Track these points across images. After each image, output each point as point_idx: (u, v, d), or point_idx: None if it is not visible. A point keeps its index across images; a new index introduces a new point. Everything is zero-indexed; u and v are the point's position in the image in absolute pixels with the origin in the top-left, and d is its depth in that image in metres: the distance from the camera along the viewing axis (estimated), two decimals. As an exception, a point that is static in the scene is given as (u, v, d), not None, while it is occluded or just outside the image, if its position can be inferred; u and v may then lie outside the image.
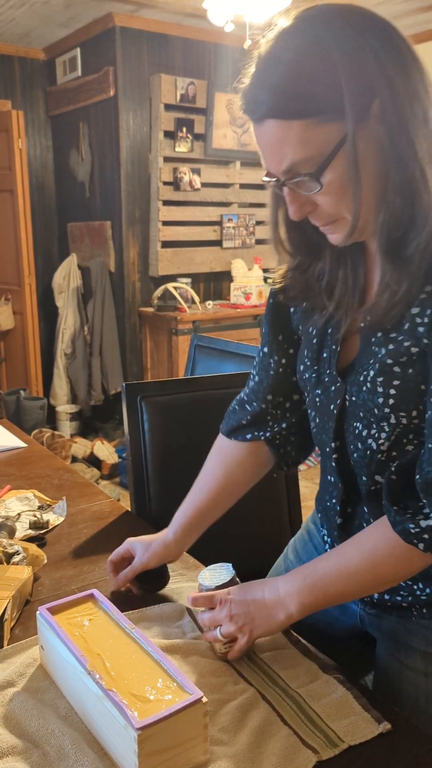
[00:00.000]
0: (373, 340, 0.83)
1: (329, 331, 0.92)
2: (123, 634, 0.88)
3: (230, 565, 0.99)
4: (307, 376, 0.96)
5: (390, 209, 0.76)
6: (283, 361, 1.03)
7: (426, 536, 0.78)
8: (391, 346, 0.81)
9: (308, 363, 0.95)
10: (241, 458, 1.10)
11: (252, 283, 4.15)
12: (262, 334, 1.06)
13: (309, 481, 3.70)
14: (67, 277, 4.34)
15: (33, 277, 4.31)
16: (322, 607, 0.88)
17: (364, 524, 0.93)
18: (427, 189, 0.74)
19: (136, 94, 3.88)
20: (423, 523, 0.78)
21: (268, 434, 1.08)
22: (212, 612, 0.92)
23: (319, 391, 0.94)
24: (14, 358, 4.50)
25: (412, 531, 0.78)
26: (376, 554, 0.83)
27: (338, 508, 0.96)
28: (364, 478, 0.90)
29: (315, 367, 0.94)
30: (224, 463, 1.11)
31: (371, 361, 0.83)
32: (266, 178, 0.81)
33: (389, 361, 0.81)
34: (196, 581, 1.16)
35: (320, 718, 0.82)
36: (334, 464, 0.94)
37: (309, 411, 0.99)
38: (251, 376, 1.09)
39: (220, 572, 0.98)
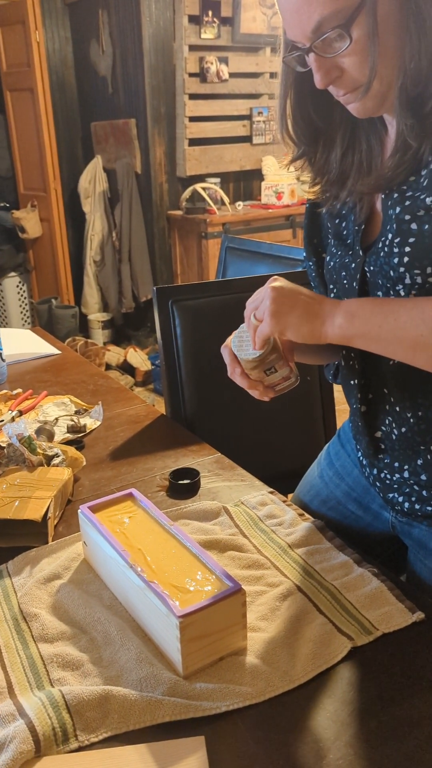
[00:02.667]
0: (389, 203, 0.84)
1: (352, 219, 0.92)
2: (162, 530, 0.90)
3: None
4: (332, 265, 0.95)
5: (410, 67, 0.75)
6: (320, 263, 1.03)
7: None
8: (407, 203, 0.81)
9: (334, 251, 0.95)
10: None
11: (284, 181, 3.97)
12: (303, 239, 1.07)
13: (342, 385, 3.69)
14: (92, 180, 4.21)
15: (58, 182, 4.20)
16: (366, 333, 0.78)
17: (387, 407, 0.93)
18: None
19: (157, -26, 3.60)
20: None
21: None
22: (254, 294, 0.86)
23: (344, 273, 0.93)
24: (44, 267, 4.47)
25: None
26: None
27: (359, 395, 0.96)
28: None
29: (339, 252, 0.94)
30: None
31: (388, 227, 0.84)
32: (288, 54, 0.80)
33: (407, 217, 0.81)
34: (231, 482, 1.18)
35: (355, 607, 0.85)
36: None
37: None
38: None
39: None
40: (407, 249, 0.80)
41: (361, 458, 1.04)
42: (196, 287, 1.58)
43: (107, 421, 1.43)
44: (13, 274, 4.43)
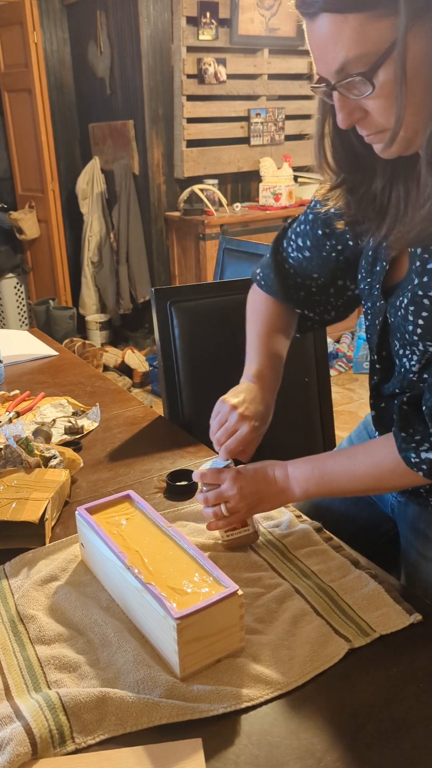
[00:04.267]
0: (413, 267, 0.82)
1: (384, 244, 0.89)
2: (159, 532, 0.90)
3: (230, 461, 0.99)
4: (362, 286, 0.96)
5: None
6: (339, 247, 1.01)
7: (425, 467, 0.83)
8: (425, 278, 0.80)
9: (363, 274, 0.95)
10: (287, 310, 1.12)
11: (281, 182, 3.98)
12: (318, 212, 0.99)
13: (340, 387, 3.70)
14: (90, 181, 4.21)
15: (56, 183, 4.20)
16: (323, 497, 0.94)
17: (395, 416, 0.94)
18: None
19: (155, -24, 3.60)
20: (424, 455, 0.82)
21: (316, 314, 1.10)
22: (219, 488, 0.94)
23: (370, 304, 0.95)
24: (41, 268, 4.47)
25: (413, 460, 0.83)
26: (382, 468, 0.87)
27: (372, 402, 1.01)
28: (397, 390, 0.94)
29: (368, 279, 0.94)
30: (277, 308, 1.11)
31: (409, 286, 0.83)
32: (315, 85, 0.76)
33: (420, 292, 0.81)
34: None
35: (352, 609, 0.85)
36: (378, 366, 0.98)
37: (364, 317, 1.01)
38: (293, 245, 1.06)
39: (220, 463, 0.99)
40: (421, 321, 0.82)
41: (376, 435, 1.06)
42: (193, 288, 1.58)
43: (105, 423, 1.43)
44: (10, 275, 4.42)
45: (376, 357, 0.96)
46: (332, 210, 0.90)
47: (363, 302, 0.98)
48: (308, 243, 1.03)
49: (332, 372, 3.89)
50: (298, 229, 1.05)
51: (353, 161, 0.83)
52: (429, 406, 0.83)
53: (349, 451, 0.91)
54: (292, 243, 1.06)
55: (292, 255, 1.06)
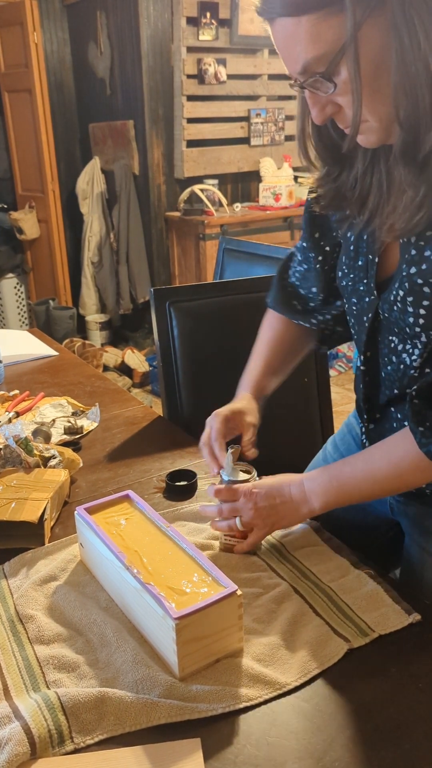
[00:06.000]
0: (407, 257, 0.82)
1: (365, 237, 0.89)
2: (159, 532, 0.90)
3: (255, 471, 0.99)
4: (344, 283, 0.95)
5: (400, 110, 0.71)
6: (320, 258, 1.03)
7: None
8: (424, 266, 0.79)
9: (345, 270, 0.94)
10: (294, 325, 1.15)
11: (282, 183, 3.98)
12: (302, 227, 1.06)
13: (340, 387, 3.70)
14: (90, 181, 4.22)
15: (56, 183, 4.20)
16: (344, 505, 0.92)
17: (395, 424, 0.94)
18: None
19: (155, -24, 3.60)
20: None
21: (314, 325, 1.12)
22: (235, 504, 0.94)
23: (355, 300, 0.94)
24: (41, 268, 4.47)
25: None
26: (403, 466, 0.85)
27: (365, 415, 0.99)
28: (396, 391, 0.92)
29: (351, 275, 0.93)
30: (283, 322, 1.14)
31: (402, 277, 0.82)
32: (292, 83, 0.78)
33: (419, 281, 0.80)
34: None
35: (351, 609, 0.85)
36: (363, 368, 0.96)
37: (348, 317, 0.99)
38: (297, 258, 1.10)
39: (241, 472, 0.99)
40: (422, 311, 0.81)
41: (364, 441, 1.06)
42: (193, 289, 1.59)
43: (104, 423, 1.43)
44: (10, 275, 4.42)
45: (362, 358, 0.95)
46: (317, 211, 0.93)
47: (346, 300, 0.96)
48: (301, 257, 1.08)
49: (332, 372, 3.89)
50: (299, 245, 1.09)
51: (335, 154, 0.85)
52: None
53: (364, 454, 0.90)
54: (296, 257, 1.11)
55: (298, 269, 1.10)
